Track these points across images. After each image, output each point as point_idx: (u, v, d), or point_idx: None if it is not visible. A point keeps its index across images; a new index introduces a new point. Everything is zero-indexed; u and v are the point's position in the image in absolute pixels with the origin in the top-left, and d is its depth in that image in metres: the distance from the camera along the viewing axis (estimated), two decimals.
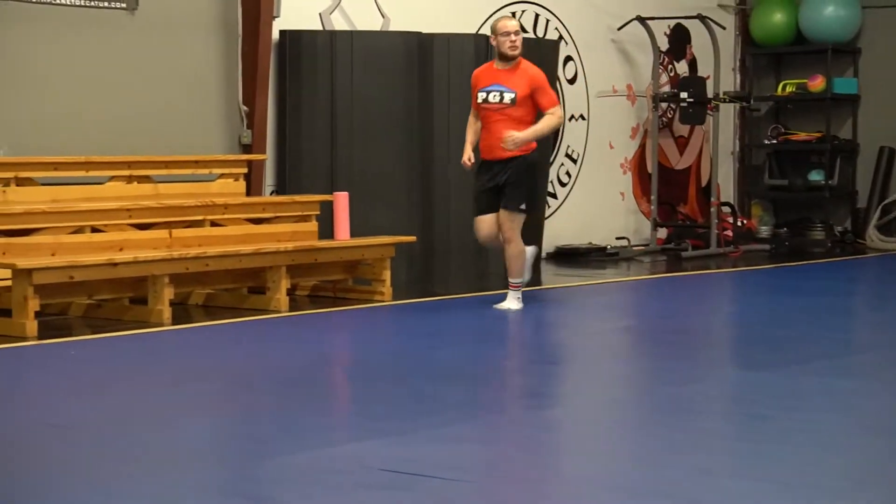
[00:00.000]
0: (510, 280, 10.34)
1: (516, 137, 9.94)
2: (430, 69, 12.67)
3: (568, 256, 14.76)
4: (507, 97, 10.03)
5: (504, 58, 10.10)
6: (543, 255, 14.30)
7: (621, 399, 7.39)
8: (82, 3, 11.20)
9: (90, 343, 9.03)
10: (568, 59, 15.04)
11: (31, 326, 9.10)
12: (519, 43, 10.08)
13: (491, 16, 14.17)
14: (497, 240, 10.29)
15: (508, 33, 10.06)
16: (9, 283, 9.22)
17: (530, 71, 10.10)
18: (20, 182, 10.58)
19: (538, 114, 10.16)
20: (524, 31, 14.16)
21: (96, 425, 6.37)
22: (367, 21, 13.04)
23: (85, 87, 11.20)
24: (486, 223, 10.23)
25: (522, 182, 10.08)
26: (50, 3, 11.01)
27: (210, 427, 6.46)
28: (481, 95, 10.16)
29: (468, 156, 10.23)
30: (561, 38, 14.86)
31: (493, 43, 10.19)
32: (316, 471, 5.51)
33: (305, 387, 7.51)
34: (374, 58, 12.47)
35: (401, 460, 5.61)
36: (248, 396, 7.28)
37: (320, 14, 12.75)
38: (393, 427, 6.29)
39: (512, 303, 10.32)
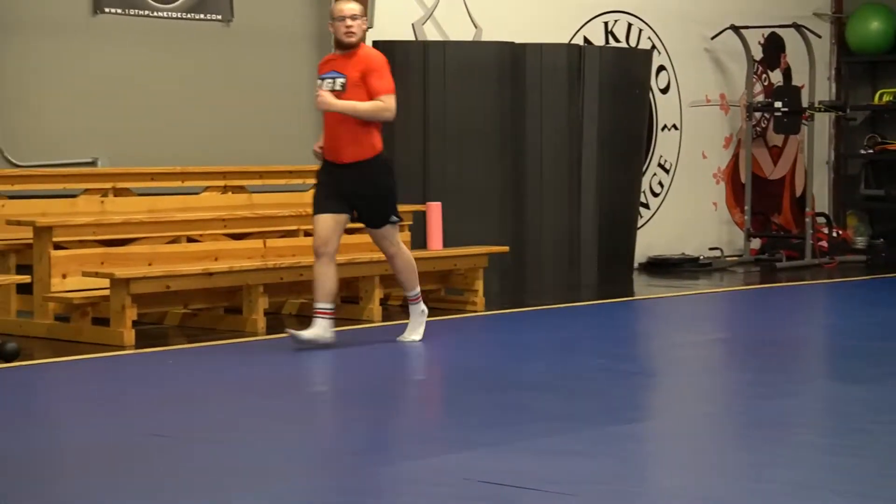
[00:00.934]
0: (407, 294, 9.39)
1: (329, 101, 8.85)
2: (523, 79, 12.66)
3: (660, 267, 14.68)
4: (339, 82, 8.95)
5: (340, 45, 8.99)
6: (636, 265, 14.23)
7: (716, 412, 7.33)
8: (179, 16, 11.33)
9: (186, 352, 9.11)
10: (661, 68, 14.96)
11: (129, 335, 9.20)
12: (357, 28, 8.94)
13: (584, 25, 14.13)
14: (331, 257, 9.08)
15: (343, 18, 8.91)
16: (107, 292, 9.33)
17: (366, 54, 9.03)
18: (118, 192, 10.72)
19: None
20: (616, 40, 14.10)
21: (195, 435, 6.42)
22: (460, 31, 13.06)
23: (181, 99, 11.32)
24: (323, 225, 9.02)
25: (383, 191, 9.09)
26: (147, 16, 11.14)
27: (306, 438, 6.49)
28: (318, 84, 9.08)
29: (319, 143, 9.18)
30: (654, 47, 14.79)
31: (331, 29, 9.10)
32: (415, 482, 5.52)
33: (399, 397, 7.53)
34: (467, 68, 12.48)
35: (500, 472, 5.60)
36: (342, 407, 7.31)
37: (413, 25, 12.79)
38: (489, 438, 6.28)
39: (416, 324, 9.39)
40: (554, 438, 6.31)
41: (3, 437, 6.45)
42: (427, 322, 9.45)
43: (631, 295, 12.43)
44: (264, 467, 5.82)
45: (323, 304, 8.98)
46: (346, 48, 8.97)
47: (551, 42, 13.05)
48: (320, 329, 8.93)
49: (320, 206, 9.01)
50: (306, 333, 8.89)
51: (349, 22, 8.91)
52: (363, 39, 9.04)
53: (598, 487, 5.49)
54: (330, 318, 8.98)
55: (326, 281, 8.97)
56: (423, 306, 9.40)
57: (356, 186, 8.96)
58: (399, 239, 9.26)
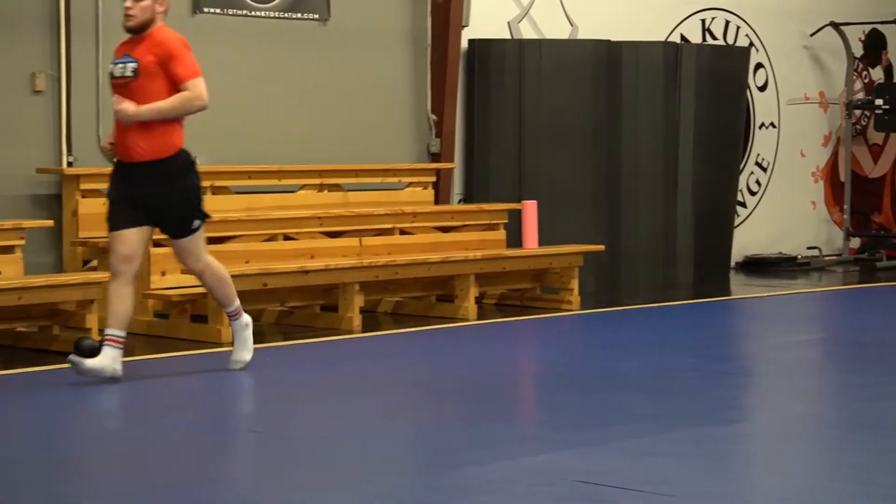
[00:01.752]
0: (226, 310, 8.18)
1: (129, 112, 7.63)
2: (619, 77, 12.61)
3: (757, 266, 14.55)
4: (130, 67, 7.75)
5: (127, 30, 7.88)
6: (733, 264, 14.12)
7: (813, 413, 7.25)
8: (276, 15, 11.41)
9: (283, 350, 9.18)
10: (759, 66, 14.82)
11: (227, 332, 9.27)
12: (137, 12, 7.76)
13: (681, 22, 14.05)
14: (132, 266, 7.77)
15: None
16: (205, 289, 9.40)
17: (161, 36, 7.79)
18: (216, 190, 10.82)
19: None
20: (713, 37, 14.00)
21: (292, 432, 6.47)
22: (556, 29, 13.03)
23: (278, 97, 11.40)
24: (124, 241, 7.73)
25: (184, 195, 7.84)
26: (245, 16, 11.24)
27: (400, 436, 6.52)
28: (109, 71, 7.95)
29: (110, 138, 7.94)
30: (752, 44, 14.66)
31: None
32: (509, 481, 5.52)
33: (494, 396, 7.53)
34: (563, 66, 12.46)
35: (595, 472, 5.59)
36: (437, 405, 7.32)
37: (509, 23, 12.78)
38: (584, 438, 6.27)
39: (243, 340, 8.12)
40: (649, 438, 6.28)
41: (101, 431, 6.54)
42: (520, 321, 9.44)
43: (727, 294, 12.33)
44: (360, 464, 5.85)
45: (114, 331, 7.65)
46: (130, 32, 7.82)
47: (648, 40, 12.98)
48: (108, 359, 7.61)
49: (117, 221, 7.73)
50: (90, 363, 7.58)
51: (128, 3, 7.78)
52: (153, 21, 7.81)
53: (695, 489, 5.45)
54: (121, 348, 7.68)
55: (122, 304, 7.67)
56: (245, 319, 8.12)
57: (152, 190, 7.70)
58: (205, 250, 7.94)
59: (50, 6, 10.24)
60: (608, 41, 12.65)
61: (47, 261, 10.11)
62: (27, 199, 10.19)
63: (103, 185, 10.28)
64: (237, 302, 8.08)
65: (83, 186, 10.15)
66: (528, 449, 6.16)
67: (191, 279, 9.47)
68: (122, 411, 7.12)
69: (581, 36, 12.99)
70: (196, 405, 7.32)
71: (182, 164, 7.80)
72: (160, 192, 7.70)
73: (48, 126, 10.30)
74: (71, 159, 10.35)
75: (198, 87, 7.73)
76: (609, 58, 12.60)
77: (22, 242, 9.23)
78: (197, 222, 7.87)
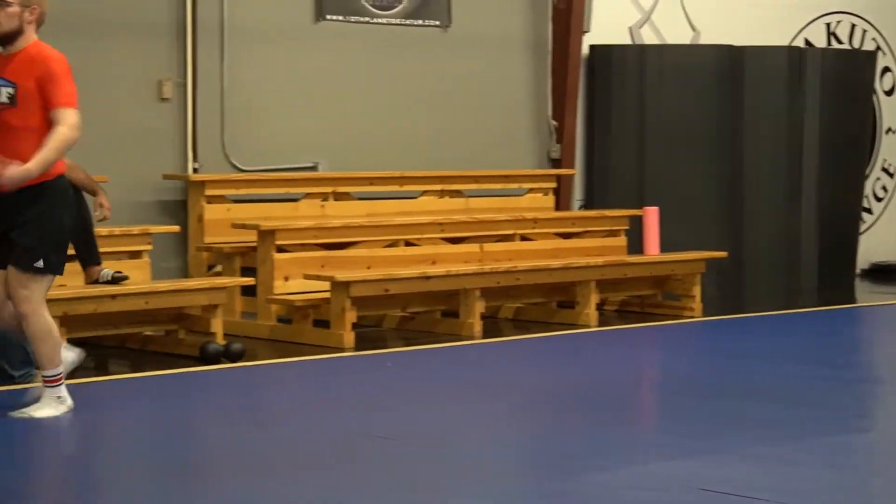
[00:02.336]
0: (43, 374, 6.84)
1: (13, 174, 6.52)
2: (741, 82, 12.49)
3: (884, 273, 14.31)
4: (6, 93, 6.67)
5: None
6: (858, 271, 13.90)
7: None
8: (398, 22, 11.47)
9: (404, 355, 9.21)
10: (886, 70, 14.59)
11: (349, 338, 9.35)
12: (1, 18, 6.69)
13: (805, 27, 13.88)
14: (8, 317, 6.82)
15: None
16: (327, 294, 9.49)
17: (40, 54, 6.72)
18: (338, 196, 10.91)
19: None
20: (838, 41, 13.81)
21: (413, 437, 6.49)
22: (678, 34, 12.94)
23: (399, 104, 11.46)
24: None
25: (42, 226, 6.67)
26: (367, 23, 11.31)
27: (522, 441, 6.51)
28: None
29: None
30: (878, 48, 14.44)
31: None
32: (632, 488, 5.48)
33: (616, 402, 7.49)
34: (684, 71, 12.37)
35: (720, 480, 5.53)
36: (558, 411, 7.30)
37: (630, 28, 12.73)
38: (708, 445, 6.21)
39: (48, 406, 6.77)
40: (773, 447, 6.20)
41: (226, 434, 6.61)
42: (642, 328, 9.36)
43: (853, 301, 12.15)
44: (481, 469, 5.85)
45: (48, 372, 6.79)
46: (4, 43, 6.75)
47: (771, 45, 12.84)
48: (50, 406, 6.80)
49: None
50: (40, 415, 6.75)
51: None
52: (21, 31, 6.73)
53: (821, 498, 5.38)
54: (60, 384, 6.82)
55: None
56: (62, 392, 6.82)
57: (20, 216, 6.65)
58: (42, 300, 6.72)
59: (177, 14, 10.39)
60: (730, 46, 12.53)
61: (173, 266, 10.26)
62: (154, 205, 10.35)
63: (228, 191, 10.42)
64: (61, 368, 6.81)
65: (208, 192, 10.29)
66: (652, 456, 6.12)
67: (314, 284, 9.57)
68: (246, 416, 7.19)
69: (703, 41, 12.89)
70: (318, 410, 7.37)
71: (56, 192, 6.71)
72: (19, 212, 6.65)
73: (174, 133, 10.45)
74: (196, 166, 10.50)
75: (73, 118, 6.61)
76: (731, 63, 12.49)
77: (149, 248, 9.38)
78: (42, 263, 6.64)
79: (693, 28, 12.96)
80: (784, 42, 13.41)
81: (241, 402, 7.62)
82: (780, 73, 12.57)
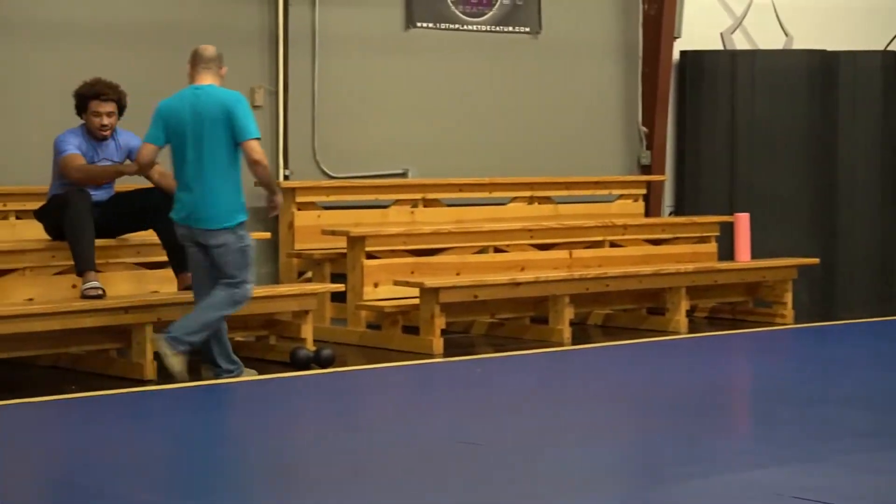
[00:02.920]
0: None
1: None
2: (835, 87, 12.37)
3: None
4: None
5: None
6: None
7: None
8: (488, 29, 11.48)
9: (493, 361, 9.21)
10: None
11: (438, 344, 9.36)
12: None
13: None
14: None
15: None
16: (417, 301, 9.52)
17: None
18: (427, 203, 10.94)
19: None
20: None
21: (504, 444, 6.48)
22: (770, 40, 12.83)
23: (489, 110, 11.47)
24: None
25: None
26: (457, 30, 11.33)
27: (613, 449, 6.48)
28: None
29: None
30: None
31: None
32: (725, 496, 5.45)
33: (706, 410, 7.44)
34: (777, 77, 12.27)
35: (813, 488, 5.48)
36: (648, 418, 7.27)
37: (721, 34, 12.64)
38: (799, 454, 6.15)
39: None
40: (868, 455, 6.13)
41: (317, 440, 6.65)
42: (732, 335, 9.28)
43: None
44: (571, 477, 5.84)
45: None
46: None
47: (866, 49, 12.70)
48: None
49: None
50: None
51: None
52: None
53: None
54: None
55: None
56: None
57: None
58: None
59: (269, 22, 10.48)
60: (824, 51, 12.41)
61: (264, 272, 10.34)
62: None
63: (318, 198, 10.48)
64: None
65: (299, 199, 10.36)
66: (744, 463, 6.06)
67: (403, 291, 9.60)
68: (337, 421, 7.23)
69: (796, 46, 12.77)
70: (408, 416, 7.39)
71: None
72: None
73: (266, 140, 10.48)
74: (287, 172, 10.57)
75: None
76: (825, 67, 12.37)
77: None
78: None
79: (786, 33, 12.84)
80: (878, 47, 13.24)
81: (331, 408, 7.66)
82: (874, 78, 12.42)
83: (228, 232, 8.05)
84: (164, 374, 8.13)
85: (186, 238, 8.12)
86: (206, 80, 8.12)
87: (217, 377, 8.22)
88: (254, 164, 8.05)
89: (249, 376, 8.27)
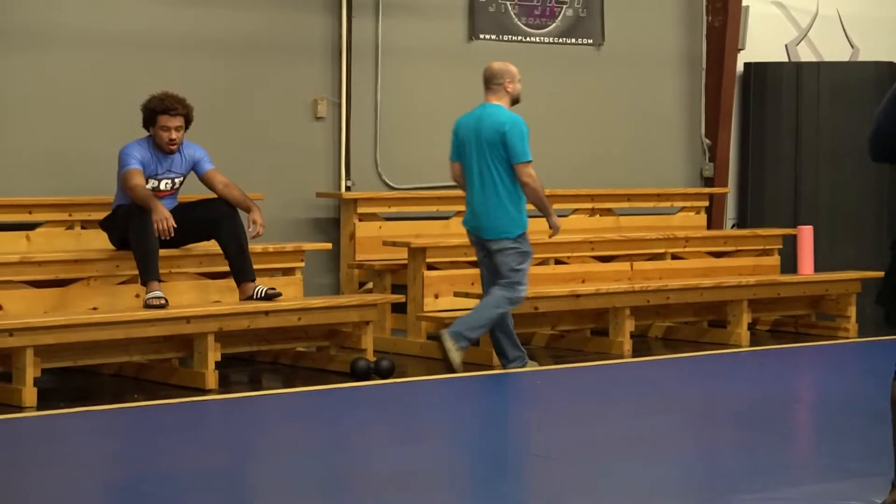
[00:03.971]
0: None
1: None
2: None
3: None
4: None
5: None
6: None
7: None
8: (551, 41, 11.48)
9: (554, 373, 9.20)
10: None
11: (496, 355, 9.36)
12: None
13: None
14: None
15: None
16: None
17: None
18: None
19: None
20: None
21: (566, 456, 6.47)
22: (836, 51, 12.75)
23: (551, 122, 11.45)
24: None
25: None
26: (520, 41, 11.33)
27: (673, 461, 6.46)
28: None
29: None
30: None
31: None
32: None
33: (768, 423, 7.39)
34: (842, 89, 12.19)
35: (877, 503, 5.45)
36: (709, 431, 7.24)
37: (786, 45, 12.57)
38: (864, 467, 6.09)
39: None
40: None
41: (379, 450, 6.66)
42: (795, 348, 9.21)
43: None
44: (635, 488, 5.82)
45: None
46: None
47: None
48: None
49: None
50: None
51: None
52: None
53: None
54: None
55: None
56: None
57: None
58: None
59: (332, 34, 10.53)
60: (890, 63, 12.32)
61: (325, 282, 10.38)
62: (307, 222, 10.49)
63: (380, 209, 10.52)
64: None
65: (360, 210, 10.39)
66: (808, 476, 6.03)
67: (463, 302, 9.61)
68: (397, 432, 7.25)
69: (862, 58, 12.68)
70: (470, 427, 7.39)
71: None
72: None
73: (328, 151, 10.58)
74: (349, 184, 10.61)
75: None
76: (892, 79, 12.25)
77: (302, 265, 9.49)
78: None
79: (852, 45, 12.76)
80: None
81: (392, 419, 7.67)
82: None
83: (507, 241, 8.74)
84: (224, 384, 8.17)
85: (473, 242, 8.93)
86: (492, 98, 8.78)
87: (504, 367, 8.91)
88: (522, 185, 8.72)
89: (531, 367, 8.95)
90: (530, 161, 8.72)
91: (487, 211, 8.71)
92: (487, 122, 8.66)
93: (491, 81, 8.80)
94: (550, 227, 9.03)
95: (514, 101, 8.83)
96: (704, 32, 12.11)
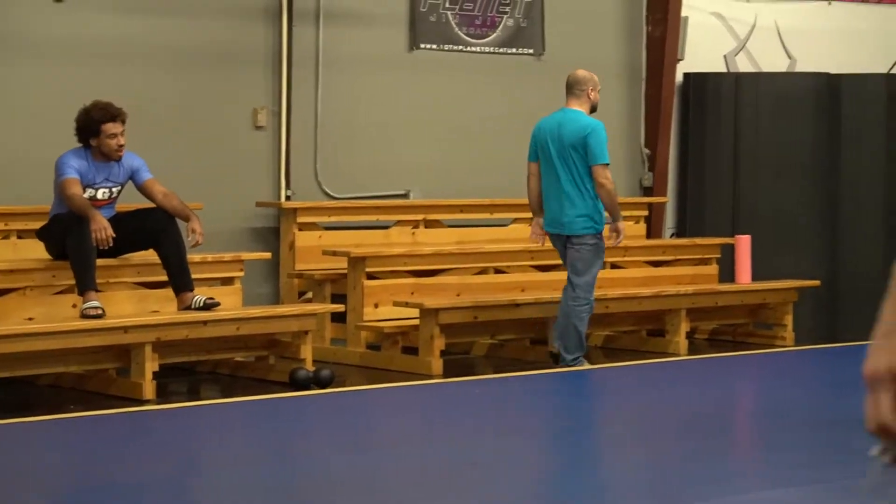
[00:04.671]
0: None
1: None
2: (838, 110, 12.37)
3: None
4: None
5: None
6: None
7: None
8: (492, 51, 11.50)
9: (493, 382, 9.20)
10: None
11: (437, 365, 9.36)
12: None
13: None
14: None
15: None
16: (417, 321, 9.52)
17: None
18: (429, 224, 10.94)
19: None
20: None
21: (504, 466, 6.46)
22: (774, 62, 12.86)
23: (491, 132, 11.48)
24: None
25: None
26: (461, 51, 11.35)
27: (617, 472, 6.47)
28: None
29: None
30: None
31: None
32: None
33: (709, 432, 7.41)
34: (780, 99, 12.28)
35: None
36: (652, 441, 7.25)
37: (725, 56, 12.66)
38: (808, 475, 6.13)
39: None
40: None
41: (318, 460, 6.64)
42: (733, 357, 9.26)
43: None
44: (580, 499, 5.82)
45: None
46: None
47: (869, 72, 12.71)
48: None
49: None
50: None
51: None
52: None
53: None
54: None
55: None
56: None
57: None
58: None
59: (273, 43, 10.49)
60: (828, 74, 12.42)
61: (265, 292, 10.34)
62: (247, 231, 10.44)
63: (320, 219, 10.49)
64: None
65: (300, 220, 10.36)
66: (752, 485, 6.05)
67: (403, 311, 9.60)
68: (339, 441, 7.22)
69: (799, 69, 12.79)
70: (408, 437, 7.38)
71: None
72: None
73: (268, 161, 10.55)
74: (289, 193, 10.58)
75: None
76: (829, 91, 12.38)
77: (241, 274, 9.45)
78: None
79: (789, 56, 12.87)
80: (882, 70, 13.26)
81: (332, 428, 7.64)
82: (878, 101, 12.43)
83: (589, 237, 9.08)
84: (162, 394, 8.12)
85: (553, 239, 9.27)
86: (573, 104, 9.18)
87: (561, 363, 9.19)
88: (598, 186, 9.05)
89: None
90: (608, 164, 9.03)
91: (570, 208, 9.05)
92: (569, 126, 9.07)
93: (574, 87, 9.21)
94: (617, 232, 9.27)
95: (593, 108, 9.27)
96: (644, 43, 12.18)
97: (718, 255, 11.64)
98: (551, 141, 9.10)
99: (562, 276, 10.76)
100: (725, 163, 12.32)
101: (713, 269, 11.60)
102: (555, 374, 9.40)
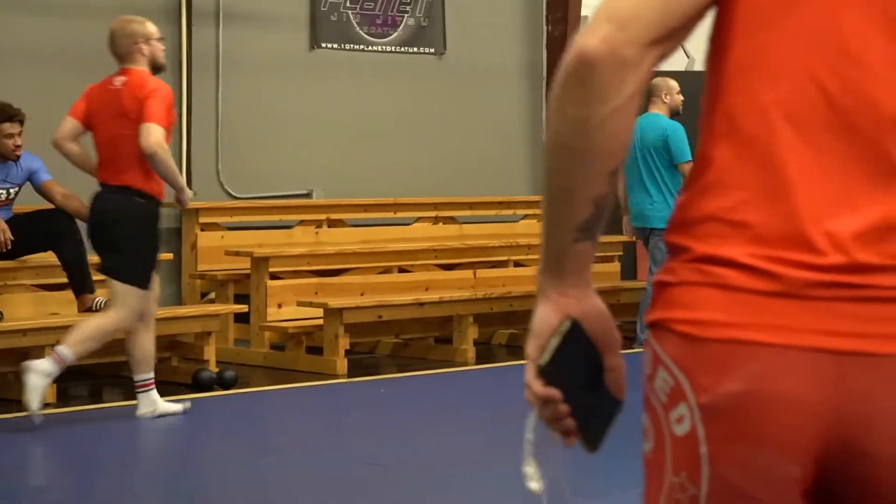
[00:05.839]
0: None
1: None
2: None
3: None
4: None
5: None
6: None
7: None
8: (392, 50, 11.51)
9: (398, 381, 9.21)
10: None
11: (342, 364, 9.35)
12: None
13: None
14: None
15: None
16: (321, 321, 9.50)
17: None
18: (332, 223, 10.93)
19: None
20: None
21: (414, 466, 6.47)
22: (672, 61, 12.93)
23: (393, 131, 11.49)
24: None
25: None
26: (362, 50, 11.34)
27: (516, 469, 6.50)
28: None
29: None
30: None
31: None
32: None
33: (630, 427, 7.48)
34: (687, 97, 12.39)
35: None
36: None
37: None
38: None
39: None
40: None
41: (221, 462, 6.61)
42: (637, 354, 9.35)
43: None
44: (478, 498, 5.85)
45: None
46: None
47: None
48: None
49: None
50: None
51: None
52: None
53: None
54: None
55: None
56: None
57: None
58: None
59: (172, 44, 10.40)
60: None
61: (167, 293, 10.25)
62: None
63: (222, 219, 10.44)
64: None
65: (202, 220, 10.30)
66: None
67: (307, 311, 9.58)
68: (240, 443, 7.19)
69: (698, 68, 12.91)
70: (313, 438, 7.37)
71: None
72: None
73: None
74: (191, 193, 10.49)
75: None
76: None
77: None
78: None
79: (687, 55, 12.99)
80: None
81: (234, 430, 7.61)
82: None
83: (662, 231, 8.93)
84: (62, 398, 8.03)
85: (637, 232, 10.00)
86: (653, 109, 9.91)
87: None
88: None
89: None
90: (691, 161, 9.31)
91: (655, 204, 9.74)
92: (651, 129, 9.74)
93: (651, 94, 9.89)
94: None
95: (674, 111, 10.01)
96: (545, 42, 12.25)
97: (620, 253, 11.74)
98: (634, 144, 9.53)
99: (465, 275, 10.83)
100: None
101: (615, 266, 11.69)
102: (460, 373, 9.42)
